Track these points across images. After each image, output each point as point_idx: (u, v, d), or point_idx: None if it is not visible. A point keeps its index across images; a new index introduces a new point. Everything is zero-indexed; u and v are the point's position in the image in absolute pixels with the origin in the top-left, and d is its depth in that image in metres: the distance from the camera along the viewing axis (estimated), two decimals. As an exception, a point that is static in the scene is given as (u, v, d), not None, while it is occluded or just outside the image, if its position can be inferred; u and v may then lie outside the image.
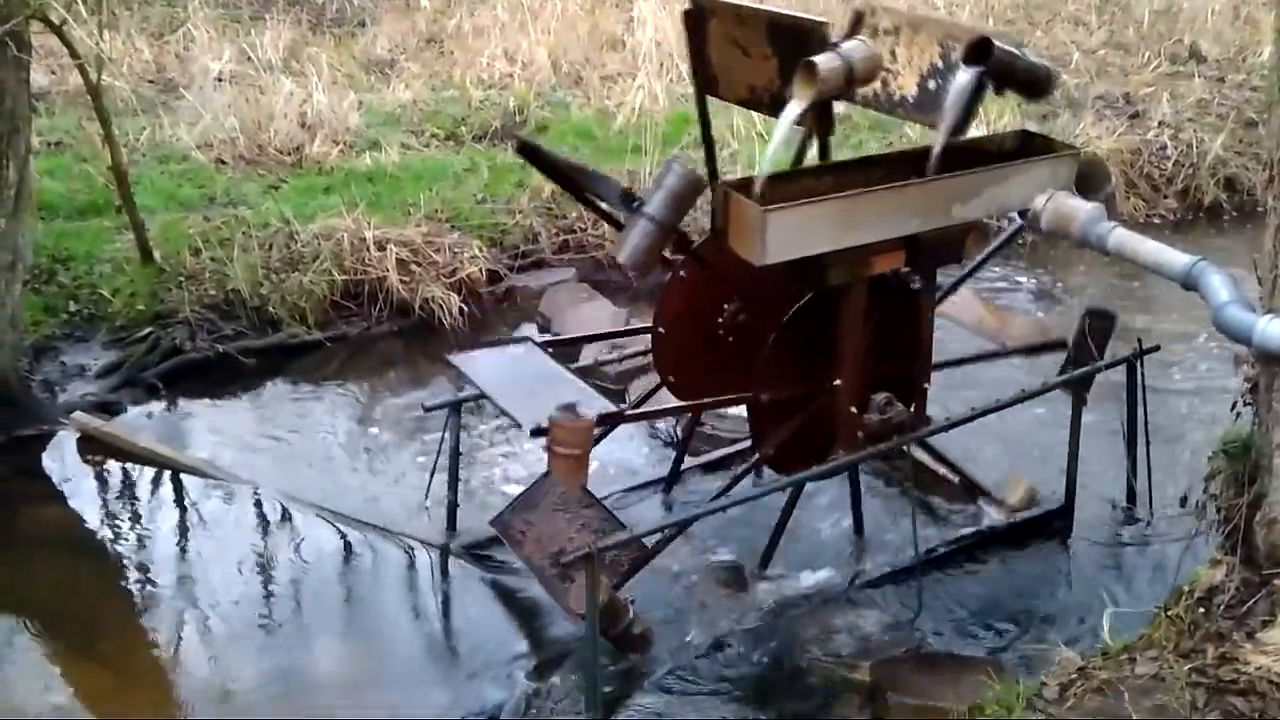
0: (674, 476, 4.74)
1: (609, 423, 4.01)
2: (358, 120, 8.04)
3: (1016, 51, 3.58)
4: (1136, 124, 8.26)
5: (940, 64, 3.69)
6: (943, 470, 4.64)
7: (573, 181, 3.99)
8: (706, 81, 3.99)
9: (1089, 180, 3.86)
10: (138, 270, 6.19)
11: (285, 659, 4.01)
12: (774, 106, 3.73)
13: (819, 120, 3.79)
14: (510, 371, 4.13)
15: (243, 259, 6.22)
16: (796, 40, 3.60)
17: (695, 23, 3.90)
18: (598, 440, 3.91)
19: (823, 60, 3.52)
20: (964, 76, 3.52)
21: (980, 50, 3.51)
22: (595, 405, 3.75)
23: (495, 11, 10.04)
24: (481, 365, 4.19)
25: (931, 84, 3.71)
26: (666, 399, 4.48)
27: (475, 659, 3.99)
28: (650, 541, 3.77)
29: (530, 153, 3.99)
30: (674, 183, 3.50)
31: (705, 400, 4.18)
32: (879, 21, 3.91)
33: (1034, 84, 3.72)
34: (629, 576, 3.76)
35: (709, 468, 4.86)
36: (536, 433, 3.61)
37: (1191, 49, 9.96)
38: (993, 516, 4.52)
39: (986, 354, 4.65)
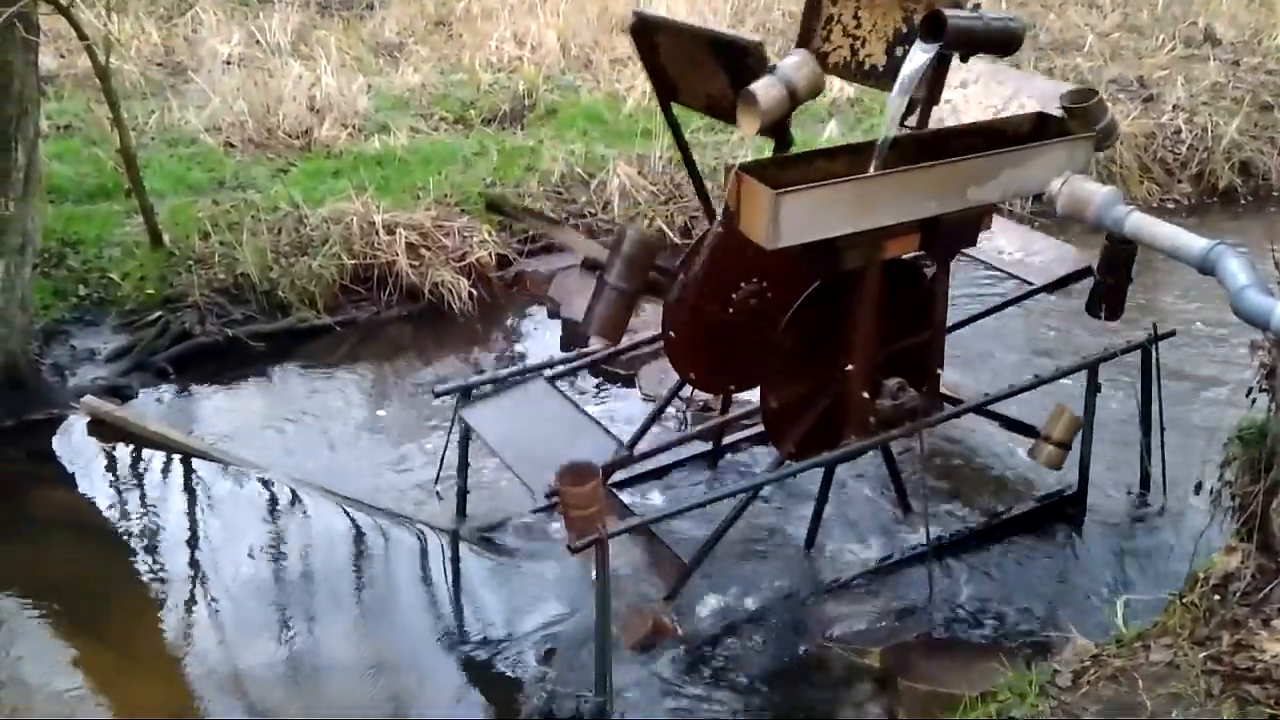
0: (717, 454, 4.78)
1: (617, 468, 4.06)
2: (366, 104, 8.02)
3: (972, 15, 3.48)
4: (1151, 107, 8.19)
5: (905, 29, 3.62)
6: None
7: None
8: (668, 89, 4.00)
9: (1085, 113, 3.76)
10: (147, 254, 6.18)
11: (295, 642, 4.01)
12: (733, 115, 3.72)
13: (776, 136, 3.79)
14: (522, 421, 4.19)
15: (252, 243, 6.21)
16: (738, 57, 3.58)
17: (642, 35, 3.90)
18: (609, 475, 3.94)
19: (761, 88, 3.49)
20: (920, 56, 3.44)
21: (934, 25, 3.43)
22: (605, 449, 3.86)
23: (504, -7, 9.99)
24: (493, 418, 4.26)
25: (900, 50, 3.66)
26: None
27: (485, 642, 3.99)
28: (676, 556, 3.84)
29: (498, 209, 4.05)
30: (629, 249, 3.57)
31: (728, 415, 4.33)
32: None
33: (1000, 43, 3.64)
34: (680, 586, 3.83)
35: (756, 438, 4.84)
36: (550, 496, 3.71)
37: (1206, 32, 9.86)
38: (1043, 453, 4.47)
39: (1010, 300, 4.62)
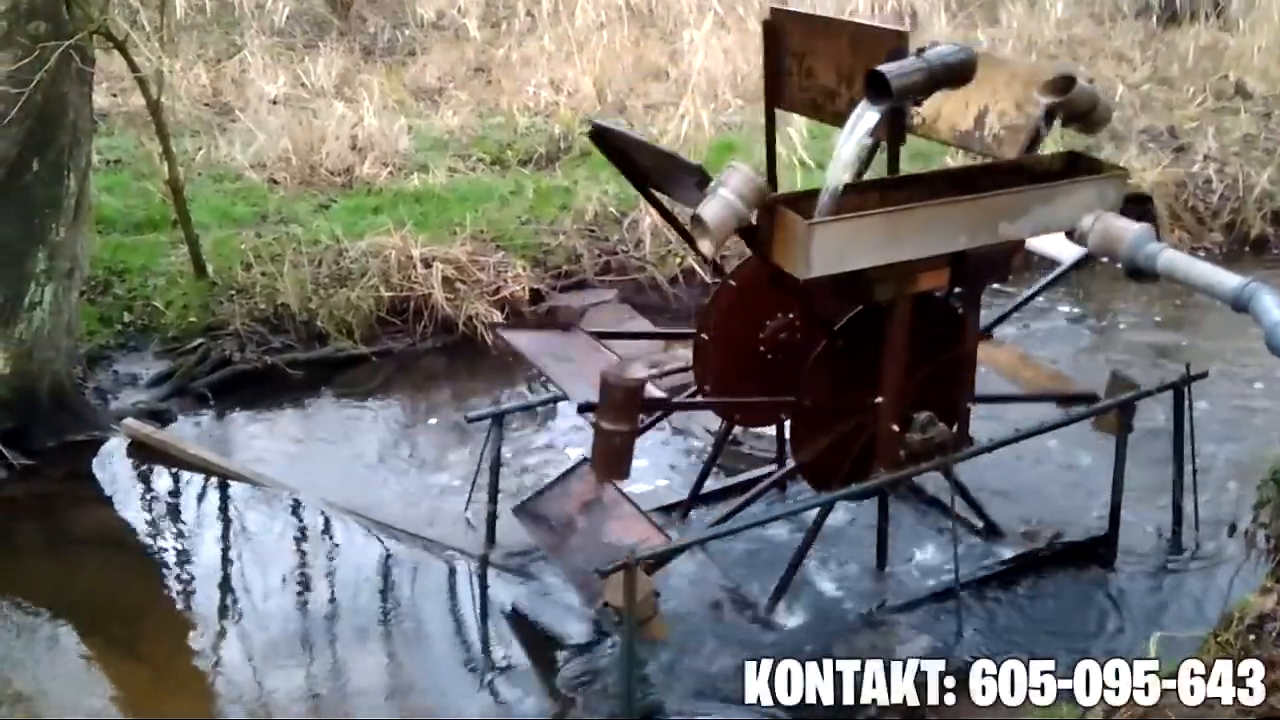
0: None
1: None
2: (407, 144, 8.19)
3: (917, 65, 3.51)
4: (1181, 157, 8.21)
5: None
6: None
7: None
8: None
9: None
10: (191, 284, 6.33)
11: (324, 666, 4.04)
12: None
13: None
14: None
15: (292, 274, 6.34)
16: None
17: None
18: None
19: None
20: (872, 116, 3.47)
21: (879, 85, 3.47)
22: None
23: (542, 42, 10.22)
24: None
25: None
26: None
27: (513, 668, 4.01)
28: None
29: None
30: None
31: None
32: None
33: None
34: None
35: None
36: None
37: (1237, 85, 9.90)
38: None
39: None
